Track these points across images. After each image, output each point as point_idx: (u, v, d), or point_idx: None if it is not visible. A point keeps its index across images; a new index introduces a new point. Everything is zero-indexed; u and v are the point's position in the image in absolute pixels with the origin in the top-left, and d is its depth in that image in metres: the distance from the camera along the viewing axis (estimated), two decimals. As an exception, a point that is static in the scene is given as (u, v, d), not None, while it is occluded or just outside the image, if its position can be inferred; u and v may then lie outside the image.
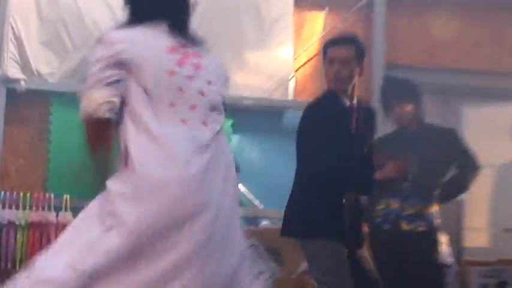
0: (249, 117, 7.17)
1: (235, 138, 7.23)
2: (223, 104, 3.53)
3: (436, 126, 5.54)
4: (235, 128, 7.20)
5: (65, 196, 6.72)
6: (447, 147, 5.43)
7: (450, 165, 5.44)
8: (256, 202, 7.07)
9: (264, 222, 6.75)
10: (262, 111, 7.13)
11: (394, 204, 5.21)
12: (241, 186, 7.12)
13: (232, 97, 7.04)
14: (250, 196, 7.14)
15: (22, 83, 6.84)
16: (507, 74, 7.32)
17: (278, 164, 7.04)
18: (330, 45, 4.65)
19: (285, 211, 4.54)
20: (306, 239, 4.39)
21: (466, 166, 5.49)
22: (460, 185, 5.52)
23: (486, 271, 5.81)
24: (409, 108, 5.39)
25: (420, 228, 5.24)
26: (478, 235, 6.83)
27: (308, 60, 7.35)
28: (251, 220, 7.04)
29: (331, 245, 4.31)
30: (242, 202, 7.14)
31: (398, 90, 5.46)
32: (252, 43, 7.05)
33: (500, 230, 6.77)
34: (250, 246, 5.75)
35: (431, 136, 5.38)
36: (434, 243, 5.32)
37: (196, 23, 6.67)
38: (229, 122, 7.18)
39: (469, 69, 7.30)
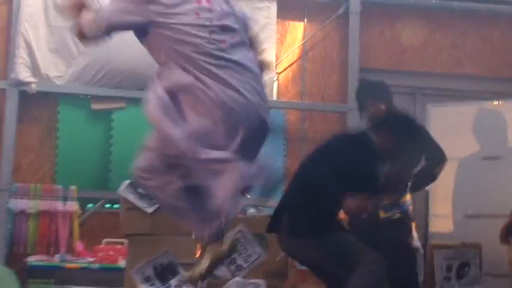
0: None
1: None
2: None
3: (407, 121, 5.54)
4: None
5: (71, 187, 6.69)
6: (417, 141, 5.44)
7: (420, 159, 5.47)
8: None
9: (251, 210, 6.70)
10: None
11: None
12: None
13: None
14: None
15: (33, 85, 6.80)
16: (467, 76, 7.36)
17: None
18: None
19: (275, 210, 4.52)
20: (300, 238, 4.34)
21: (434, 159, 5.52)
22: (429, 176, 5.58)
23: (450, 253, 5.75)
24: (381, 107, 5.41)
25: (396, 216, 5.26)
26: (442, 221, 6.79)
27: (290, 65, 7.37)
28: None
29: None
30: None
31: (372, 91, 5.47)
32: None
33: (462, 216, 6.75)
34: (238, 232, 5.74)
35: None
36: (408, 229, 5.37)
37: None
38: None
39: (434, 73, 7.32)
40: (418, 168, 5.50)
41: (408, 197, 5.37)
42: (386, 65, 7.35)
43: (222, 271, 5.80)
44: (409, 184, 5.37)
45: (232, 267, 5.80)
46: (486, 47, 7.46)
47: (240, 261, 5.66)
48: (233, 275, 5.76)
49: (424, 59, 7.39)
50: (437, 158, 5.55)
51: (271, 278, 5.65)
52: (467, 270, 5.73)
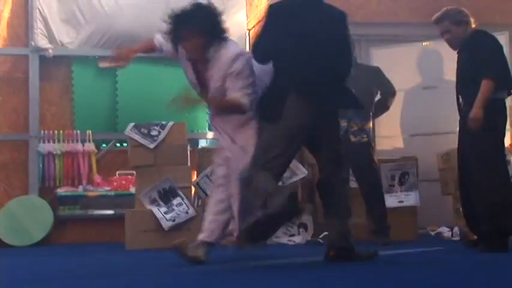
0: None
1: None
2: None
3: (365, 65, 5.60)
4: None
5: (88, 131, 6.66)
6: (374, 79, 5.51)
7: (376, 92, 5.54)
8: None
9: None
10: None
11: (343, 122, 5.23)
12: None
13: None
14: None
15: (50, 50, 6.71)
16: (402, 23, 7.31)
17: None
18: None
19: None
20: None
21: (387, 92, 5.58)
22: (384, 106, 5.64)
23: (393, 166, 5.86)
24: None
25: (364, 140, 5.33)
26: (386, 141, 6.86)
27: (257, 23, 7.26)
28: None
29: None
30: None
31: None
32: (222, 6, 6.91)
33: (408, 135, 6.82)
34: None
35: (362, 73, 5.43)
36: (373, 150, 5.47)
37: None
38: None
39: (374, 22, 7.25)
40: (375, 100, 5.57)
41: (371, 124, 5.45)
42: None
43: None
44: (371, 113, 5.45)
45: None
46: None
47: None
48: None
49: (366, 11, 7.33)
50: (389, 92, 5.62)
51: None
52: (407, 178, 5.83)
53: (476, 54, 4.41)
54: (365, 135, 5.35)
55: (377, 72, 5.59)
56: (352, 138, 5.32)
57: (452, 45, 4.63)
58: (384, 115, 6.06)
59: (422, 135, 6.71)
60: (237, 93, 3.70)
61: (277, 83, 3.71)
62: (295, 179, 5.72)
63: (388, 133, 6.88)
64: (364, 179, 5.37)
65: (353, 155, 5.19)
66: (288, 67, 3.67)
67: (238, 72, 3.71)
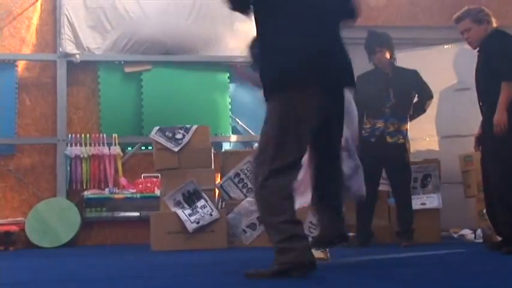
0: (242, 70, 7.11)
1: (232, 87, 7.15)
2: None
3: (403, 68, 5.57)
4: (231, 79, 7.12)
5: (114, 135, 6.69)
6: (412, 82, 5.48)
7: (414, 95, 5.50)
8: (251, 131, 7.01)
9: (257, 144, 6.72)
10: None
11: (380, 123, 5.22)
12: (238, 120, 7.08)
13: (229, 56, 7.00)
14: (246, 127, 7.09)
15: (77, 56, 6.76)
16: (422, 27, 7.26)
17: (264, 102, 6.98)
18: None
19: None
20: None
21: (424, 95, 5.54)
22: (421, 108, 5.60)
23: (415, 168, 5.80)
24: (387, 54, 5.40)
25: (400, 141, 5.30)
26: (411, 143, 6.80)
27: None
28: (247, 143, 7.02)
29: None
30: (240, 131, 7.12)
31: (379, 40, 5.44)
32: (239, 15, 6.90)
33: (430, 138, 6.76)
34: (247, 162, 5.77)
35: (400, 75, 5.41)
36: (408, 151, 5.44)
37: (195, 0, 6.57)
38: (226, 75, 7.10)
39: (395, 26, 7.21)
40: (412, 102, 5.54)
41: (407, 125, 5.42)
42: (357, 22, 7.21)
43: (235, 193, 5.86)
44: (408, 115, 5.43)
45: (244, 190, 5.86)
46: (437, 1, 7.35)
47: (250, 184, 5.70)
48: (245, 196, 5.82)
49: (387, 15, 7.29)
50: (426, 95, 5.58)
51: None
52: (430, 180, 5.78)
53: (495, 55, 4.34)
54: (401, 137, 5.35)
55: (415, 75, 5.57)
56: (389, 139, 5.31)
57: (472, 44, 4.56)
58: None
59: (445, 137, 6.64)
60: None
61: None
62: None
63: (411, 135, 6.82)
64: (399, 180, 5.35)
65: (388, 156, 5.21)
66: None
67: None
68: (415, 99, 5.55)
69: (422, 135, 6.75)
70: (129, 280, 3.34)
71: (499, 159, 4.29)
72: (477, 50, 4.55)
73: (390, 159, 5.28)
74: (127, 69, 6.92)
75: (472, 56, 4.66)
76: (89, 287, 3.09)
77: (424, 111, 5.65)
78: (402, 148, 5.35)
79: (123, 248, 6.06)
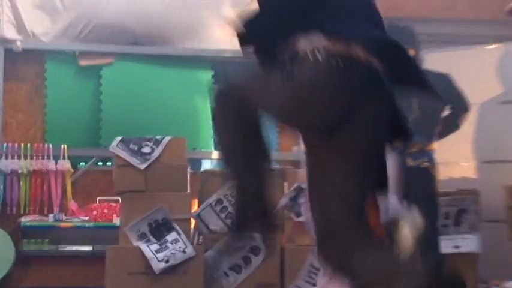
0: (229, 68, 7.15)
1: (216, 88, 7.18)
2: None
3: (432, 71, 5.60)
4: (216, 80, 7.17)
5: (62, 146, 6.70)
6: (442, 89, 5.49)
7: (445, 106, 5.53)
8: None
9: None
10: (240, 61, 7.09)
11: (399, 143, 5.25)
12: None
13: (212, 50, 7.05)
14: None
15: (18, 43, 6.80)
16: (461, 20, 7.31)
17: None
18: None
19: None
20: None
21: (458, 107, 5.57)
22: (454, 124, 5.63)
23: (448, 200, 5.84)
24: (411, 52, 5.43)
25: (424, 164, 5.33)
26: (443, 168, 6.85)
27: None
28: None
29: None
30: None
31: (402, 36, 5.47)
32: (228, 2, 7.00)
33: (467, 162, 6.81)
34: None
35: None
36: (435, 178, 5.43)
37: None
38: (210, 74, 7.15)
39: (428, 17, 7.26)
40: (443, 116, 5.57)
41: (434, 145, 5.45)
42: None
43: (216, 225, 5.88)
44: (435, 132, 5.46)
45: (228, 221, 5.87)
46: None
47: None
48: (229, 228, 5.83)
49: (417, 4, 7.35)
50: (461, 107, 5.61)
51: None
52: (465, 217, 5.82)
53: None
54: (426, 159, 5.37)
55: (446, 81, 5.59)
56: (410, 162, 5.33)
57: None
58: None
59: (486, 162, 6.69)
60: None
61: None
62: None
63: (443, 158, 6.86)
64: (422, 213, 5.34)
65: (409, 183, 5.20)
66: None
67: None
68: (446, 112, 5.59)
69: (457, 159, 6.80)
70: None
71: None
72: None
73: (411, 187, 5.28)
74: (82, 62, 6.95)
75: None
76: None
77: (457, 127, 5.69)
78: (427, 173, 5.38)
79: (69, 291, 6.06)
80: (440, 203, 5.79)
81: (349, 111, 2.58)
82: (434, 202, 5.41)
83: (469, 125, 6.48)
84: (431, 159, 5.42)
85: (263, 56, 2.79)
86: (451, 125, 5.64)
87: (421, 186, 5.31)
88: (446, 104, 5.56)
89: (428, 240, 5.32)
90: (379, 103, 2.63)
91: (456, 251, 5.74)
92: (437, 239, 5.44)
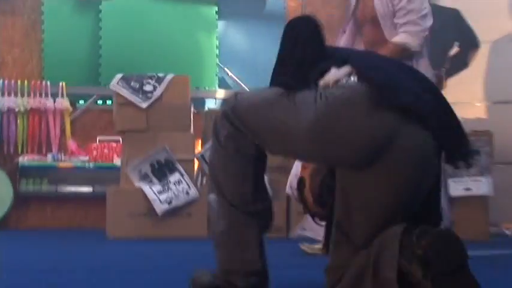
0: (232, 3, 7.09)
1: (220, 24, 7.15)
2: None
3: (442, 6, 5.56)
4: (220, 15, 7.12)
5: (60, 83, 6.69)
6: (451, 25, 5.47)
7: (453, 43, 5.50)
8: (243, 84, 7.03)
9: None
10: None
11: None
12: (228, 70, 7.11)
13: (217, -16, 7.01)
14: (237, 79, 7.11)
15: (13, -26, 6.74)
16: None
17: (261, 46, 7.02)
18: None
19: None
20: None
21: (468, 44, 5.55)
22: (463, 61, 5.62)
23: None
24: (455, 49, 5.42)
25: None
26: (455, 109, 6.82)
27: None
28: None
29: None
30: (229, 84, 7.15)
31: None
32: None
33: (482, 102, 6.79)
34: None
35: (437, 15, 5.40)
36: None
37: None
38: (214, 9, 7.10)
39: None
40: (451, 53, 5.55)
41: (443, 84, 5.43)
42: None
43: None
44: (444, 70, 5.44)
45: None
46: None
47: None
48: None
49: None
50: (471, 43, 5.58)
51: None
52: (478, 158, 5.83)
53: None
54: None
55: (456, 16, 5.57)
56: None
57: None
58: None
59: (499, 102, 6.67)
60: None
61: None
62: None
63: (455, 98, 6.84)
64: None
65: None
66: None
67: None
68: (455, 49, 5.57)
69: (470, 99, 6.79)
70: (73, 275, 3.38)
71: None
72: None
73: None
74: (81, -4, 6.91)
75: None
76: (19, 282, 3.13)
77: (466, 65, 5.70)
78: None
79: (69, 233, 6.11)
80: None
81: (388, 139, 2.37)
82: None
83: (482, 63, 6.46)
84: None
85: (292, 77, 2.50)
86: (460, 63, 5.64)
87: None
88: (454, 41, 5.55)
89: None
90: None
91: (467, 193, 5.75)
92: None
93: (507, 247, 5.12)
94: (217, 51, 7.05)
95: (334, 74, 2.44)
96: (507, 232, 6.13)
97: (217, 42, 7.08)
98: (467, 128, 5.87)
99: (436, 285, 2.16)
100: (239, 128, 2.46)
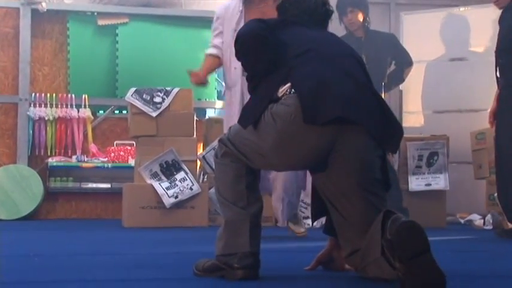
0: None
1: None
2: None
3: (378, 31, 5.62)
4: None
5: (83, 96, 6.70)
6: (388, 48, 5.52)
7: (390, 62, 5.54)
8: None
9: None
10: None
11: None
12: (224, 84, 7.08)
13: (215, 12, 6.99)
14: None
15: (43, 4, 6.72)
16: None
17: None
18: None
19: None
20: None
21: (402, 62, 5.60)
22: (399, 77, 5.67)
23: (421, 145, 5.87)
24: (359, 15, 5.42)
25: None
26: (414, 117, 6.85)
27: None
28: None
29: None
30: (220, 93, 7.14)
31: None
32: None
33: (431, 112, 6.81)
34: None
35: (375, 40, 5.45)
36: None
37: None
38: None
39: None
40: (389, 71, 5.59)
41: (382, 96, 5.42)
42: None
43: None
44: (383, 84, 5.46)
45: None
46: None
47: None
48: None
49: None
50: (405, 62, 5.65)
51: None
52: (436, 159, 5.85)
53: None
54: None
55: (391, 39, 5.63)
56: None
57: (498, 2, 4.56)
58: (411, 88, 6.05)
59: (455, 111, 6.69)
60: None
61: None
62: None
63: (416, 108, 6.87)
64: None
65: None
66: None
67: None
68: (392, 67, 5.63)
69: (432, 109, 6.81)
70: (95, 257, 3.40)
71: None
72: (502, 11, 4.56)
73: None
74: (100, 22, 6.90)
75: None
76: (51, 263, 3.14)
77: (402, 80, 5.81)
78: None
79: (90, 223, 6.11)
80: (415, 147, 5.83)
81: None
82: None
83: (442, 78, 6.48)
84: None
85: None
86: (397, 79, 5.71)
87: None
88: (391, 60, 5.59)
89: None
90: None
91: (428, 188, 5.77)
92: (394, 175, 5.39)
93: (461, 233, 5.14)
94: (216, 69, 7.04)
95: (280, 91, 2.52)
96: (461, 220, 6.15)
97: (216, 61, 7.07)
98: (427, 133, 5.91)
99: (404, 266, 2.18)
100: (231, 149, 2.60)
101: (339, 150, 2.48)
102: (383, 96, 5.31)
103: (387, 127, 2.55)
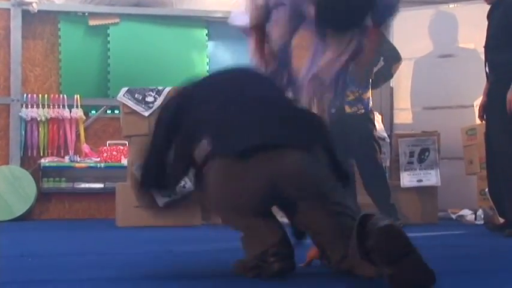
0: (220, 27, 7.07)
1: (210, 45, 7.15)
2: None
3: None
4: (210, 37, 7.12)
5: (75, 96, 6.68)
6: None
7: (378, 59, 5.51)
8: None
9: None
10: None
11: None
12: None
13: (206, 11, 7.00)
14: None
15: (34, 5, 6.69)
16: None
17: (245, 63, 7.00)
18: None
19: None
20: None
21: (391, 59, 5.57)
22: (388, 73, 5.64)
23: (412, 141, 5.88)
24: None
25: (360, 111, 5.28)
26: (405, 113, 6.87)
27: None
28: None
29: None
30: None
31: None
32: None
33: (422, 108, 6.83)
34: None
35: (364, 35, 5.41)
36: (372, 123, 5.37)
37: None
38: (204, 32, 7.10)
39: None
40: (377, 67, 5.56)
41: (369, 94, 5.41)
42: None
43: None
44: (370, 82, 5.42)
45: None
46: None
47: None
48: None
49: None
50: (394, 58, 5.61)
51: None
52: (427, 155, 5.86)
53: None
54: (362, 106, 5.29)
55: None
56: (348, 109, 5.25)
57: None
58: (401, 85, 6.05)
59: (446, 108, 6.71)
60: None
61: None
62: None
63: (407, 105, 6.89)
64: (361, 155, 5.27)
65: (348, 128, 5.12)
66: None
67: None
68: (380, 64, 5.59)
69: (422, 105, 6.83)
70: (89, 257, 3.41)
71: (505, 134, 4.35)
72: (490, 6, 4.57)
73: (350, 132, 5.15)
74: (92, 22, 6.88)
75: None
76: (45, 263, 3.14)
77: (391, 76, 5.78)
78: (363, 119, 5.28)
79: (84, 223, 6.10)
80: (406, 143, 5.84)
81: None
82: (371, 144, 5.30)
83: (432, 75, 6.49)
84: (366, 107, 5.32)
85: None
86: (385, 75, 5.67)
87: (358, 131, 5.25)
88: (379, 57, 5.53)
89: (375, 176, 5.29)
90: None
91: (419, 184, 5.78)
92: (382, 175, 5.40)
93: (453, 228, 5.15)
94: (207, 68, 7.05)
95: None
96: (452, 216, 6.16)
97: (207, 60, 7.08)
98: (419, 129, 5.90)
99: (391, 268, 2.18)
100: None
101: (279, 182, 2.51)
102: (369, 94, 5.36)
103: (291, 125, 2.62)
